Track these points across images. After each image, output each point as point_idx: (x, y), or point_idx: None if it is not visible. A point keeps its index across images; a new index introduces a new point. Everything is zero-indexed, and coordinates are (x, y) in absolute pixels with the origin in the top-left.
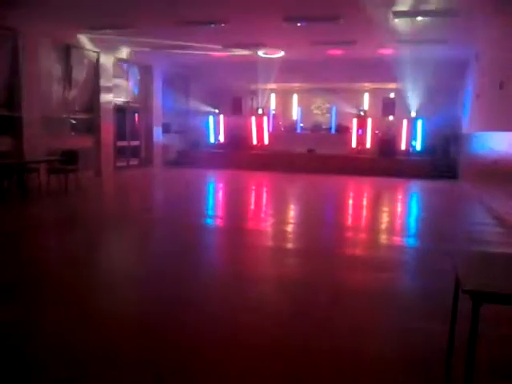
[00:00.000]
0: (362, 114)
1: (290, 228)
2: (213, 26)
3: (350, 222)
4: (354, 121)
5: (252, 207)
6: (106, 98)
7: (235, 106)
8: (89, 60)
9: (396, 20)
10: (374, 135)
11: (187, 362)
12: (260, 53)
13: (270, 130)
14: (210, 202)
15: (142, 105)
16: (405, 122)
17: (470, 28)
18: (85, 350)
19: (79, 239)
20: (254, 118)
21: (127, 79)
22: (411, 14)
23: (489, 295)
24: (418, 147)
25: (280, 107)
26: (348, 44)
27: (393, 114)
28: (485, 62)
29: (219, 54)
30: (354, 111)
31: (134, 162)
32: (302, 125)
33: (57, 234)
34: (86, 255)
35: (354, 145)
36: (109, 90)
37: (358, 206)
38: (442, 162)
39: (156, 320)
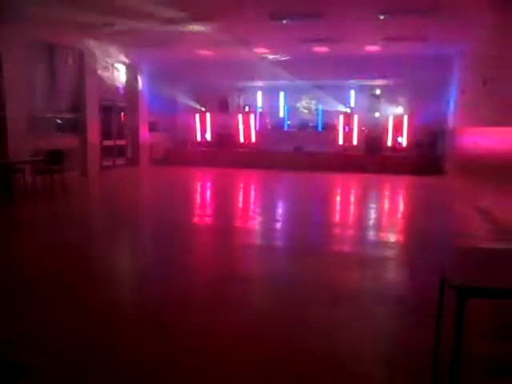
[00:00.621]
0: (348, 111)
1: (277, 226)
2: (200, 23)
3: (337, 218)
4: (341, 118)
5: (239, 205)
6: (92, 96)
7: (222, 104)
8: (74, 58)
9: (381, 17)
10: (360, 132)
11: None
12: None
13: (257, 128)
14: (198, 200)
15: (128, 103)
16: (391, 118)
17: (455, 25)
18: None
19: (64, 240)
20: (240, 116)
21: (113, 78)
22: (395, 11)
23: (474, 290)
24: (405, 143)
25: (267, 105)
26: (333, 41)
27: (379, 111)
28: (469, 59)
29: (205, 52)
30: (340, 108)
31: (120, 161)
32: (288, 122)
33: (42, 235)
34: (68, 255)
35: (340, 142)
36: (94, 88)
37: (345, 203)
38: (429, 157)
39: (135, 320)
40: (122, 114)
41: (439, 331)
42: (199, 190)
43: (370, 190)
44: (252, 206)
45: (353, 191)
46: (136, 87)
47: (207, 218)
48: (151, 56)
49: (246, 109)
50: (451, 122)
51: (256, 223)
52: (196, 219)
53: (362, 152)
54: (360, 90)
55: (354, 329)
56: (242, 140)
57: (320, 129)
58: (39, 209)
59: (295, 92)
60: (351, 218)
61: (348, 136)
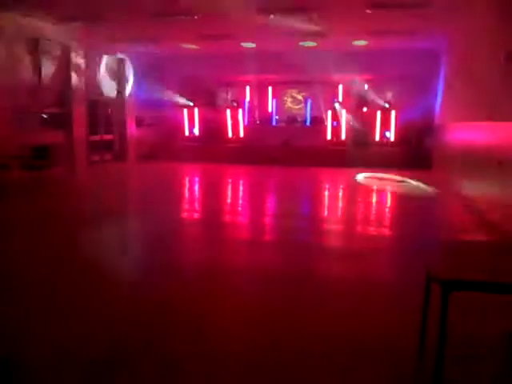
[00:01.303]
0: (336, 105)
1: (265, 220)
2: (183, 17)
3: (325, 213)
4: (329, 113)
5: (228, 200)
6: (78, 91)
7: (210, 99)
8: (59, 53)
9: (368, 11)
10: (348, 127)
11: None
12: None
13: (245, 122)
14: (186, 195)
15: (116, 98)
16: (378, 113)
17: (442, 19)
18: None
19: (49, 237)
20: (228, 111)
21: (99, 72)
22: (385, 5)
23: (458, 283)
24: (392, 138)
25: (255, 100)
26: (322, 36)
27: (367, 106)
28: (456, 53)
29: (192, 46)
30: (328, 103)
31: (107, 156)
32: (277, 117)
33: (28, 231)
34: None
35: (328, 137)
36: (80, 83)
37: (333, 198)
38: (416, 152)
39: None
40: (109, 108)
41: (425, 324)
42: (187, 185)
43: (358, 185)
44: (241, 201)
45: (341, 186)
46: (123, 82)
47: (195, 214)
48: (138, 50)
49: (234, 104)
50: (438, 116)
51: (243, 218)
52: (184, 214)
53: (349, 147)
54: (348, 84)
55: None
56: (230, 135)
57: (308, 123)
58: (24, 205)
59: (283, 86)
60: (342, 212)
61: (336, 131)
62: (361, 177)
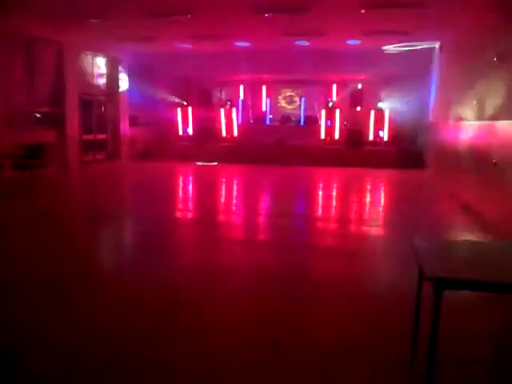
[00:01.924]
0: (330, 105)
1: (259, 220)
2: (178, 17)
3: (319, 212)
4: (323, 112)
5: (222, 200)
6: (71, 90)
7: (204, 98)
8: (52, 52)
9: (363, 11)
10: (342, 126)
11: None
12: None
13: (239, 121)
14: (180, 195)
15: (109, 97)
16: (372, 112)
17: (435, 18)
18: None
19: (41, 236)
20: (222, 110)
21: (93, 71)
22: (380, 5)
23: (450, 281)
24: (386, 137)
25: (249, 99)
26: (316, 35)
27: (360, 105)
28: (449, 53)
29: (186, 45)
30: (322, 103)
31: (101, 155)
32: (271, 116)
33: (20, 230)
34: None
35: (322, 136)
36: (74, 82)
37: (327, 197)
38: (410, 151)
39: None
40: (103, 108)
41: (418, 322)
42: (181, 184)
43: (352, 184)
44: (235, 201)
45: (334, 185)
46: (117, 81)
47: (189, 213)
48: (132, 49)
49: (228, 103)
50: (432, 116)
51: (237, 217)
52: (177, 214)
53: (343, 146)
54: (342, 84)
55: None
56: (224, 134)
57: (302, 123)
58: (16, 204)
59: (277, 86)
60: (336, 212)
61: (330, 130)
62: None
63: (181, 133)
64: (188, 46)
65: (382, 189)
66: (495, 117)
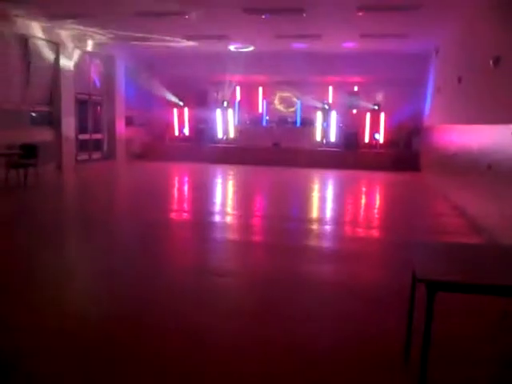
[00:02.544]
0: (326, 107)
1: (254, 221)
2: (174, 17)
3: (314, 214)
4: (319, 114)
5: (218, 201)
6: (67, 90)
7: (200, 99)
8: (48, 51)
9: (360, 14)
10: (338, 128)
11: None
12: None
13: (236, 123)
14: (175, 196)
15: (105, 97)
16: (368, 115)
17: (431, 22)
18: None
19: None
20: (219, 111)
21: (89, 71)
22: (376, 7)
23: (443, 284)
24: (381, 140)
25: (245, 100)
26: (312, 37)
27: (356, 108)
28: (445, 56)
29: (182, 45)
30: (318, 104)
31: (96, 155)
32: (267, 118)
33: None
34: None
35: (318, 138)
36: (70, 81)
37: (322, 199)
38: (405, 154)
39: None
40: (99, 107)
41: (411, 325)
42: (176, 185)
43: (347, 186)
44: (231, 202)
45: (330, 187)
46: (113, 81)
47: (184, 214)
48: (128, 49)
49: (225, 104)
50: (427, 119)
51: (232, 219)
52: (172, 215)
53: (339, 148)
54: (338, 86)
55: None
56: (220, 135)
57: (298, 124)
58: (9, 204)
59: (274, 87)
60: (331, 214)
61: (326, 132)
62: None
63: (177, 133)
64: (184, 46)
65: (377, 191)
66: (493, 121)
